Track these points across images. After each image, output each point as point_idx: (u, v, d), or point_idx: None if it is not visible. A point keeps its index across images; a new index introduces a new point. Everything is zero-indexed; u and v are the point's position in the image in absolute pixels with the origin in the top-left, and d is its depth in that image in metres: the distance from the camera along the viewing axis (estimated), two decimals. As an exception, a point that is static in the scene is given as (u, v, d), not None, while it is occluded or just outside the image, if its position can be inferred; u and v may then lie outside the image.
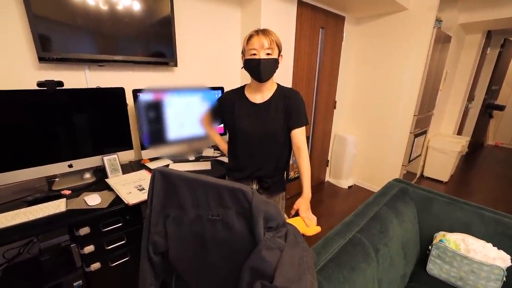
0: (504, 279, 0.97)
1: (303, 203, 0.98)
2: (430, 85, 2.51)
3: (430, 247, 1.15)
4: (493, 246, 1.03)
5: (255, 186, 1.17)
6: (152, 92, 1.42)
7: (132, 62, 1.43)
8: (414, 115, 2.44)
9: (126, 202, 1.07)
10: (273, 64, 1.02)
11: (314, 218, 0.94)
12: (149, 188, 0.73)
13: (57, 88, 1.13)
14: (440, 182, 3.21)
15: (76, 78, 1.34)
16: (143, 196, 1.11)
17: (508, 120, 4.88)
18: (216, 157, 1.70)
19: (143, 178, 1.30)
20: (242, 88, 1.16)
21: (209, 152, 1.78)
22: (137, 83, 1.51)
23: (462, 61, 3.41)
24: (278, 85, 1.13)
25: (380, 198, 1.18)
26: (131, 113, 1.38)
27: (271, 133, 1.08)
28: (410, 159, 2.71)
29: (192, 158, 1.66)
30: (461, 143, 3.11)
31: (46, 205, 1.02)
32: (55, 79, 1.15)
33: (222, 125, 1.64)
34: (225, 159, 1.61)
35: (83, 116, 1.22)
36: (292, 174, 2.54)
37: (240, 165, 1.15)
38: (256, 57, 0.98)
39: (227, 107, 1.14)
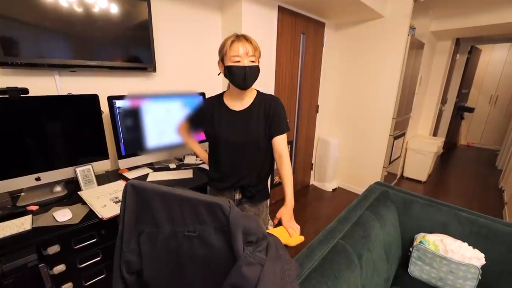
0: (480, 277, 1.01)
1: (286, 212, 0.96)
2: (406, 89, 2.62)
3: (411, 249, 1.17)
4: (469, 245, 1.07)
5: (238, 196, 1.14)
6: (129, 98, 1.36)
7: (107, 68, 1.36)
8: (393, 118, 2.53)
9: (100, 216, 1.00)
10: (257, 72, 1.00)
11: (298, 227, 0.93)
12: (121, 203, 0.69)
13: (22, 95, 1.05)
14: (419, 182, 3.34)
15: (45, 85, 1.25)
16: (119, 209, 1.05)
17: (477, 121, 5.21)
18: (199, 164, 1.66)
19: (120, 189, 1.23)
20: (220, 96, 1.12)
21: (191, 160, 1.73)
22: (113, 89, 1.44)
23: (435, 66, 3.60)
24: (258, 91, 1.11)
25: (362, 203, 1.19)
26: (106, 121, 1.31)
27: (252, 141, 1.05)
28: (391, 161, 2.80)
29: (173, 166, 1.60)
30: (437, 144, 3.26)
31: (8, 223, 0.93)
32: (20, 86, 1.06)
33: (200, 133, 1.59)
34: (207, 166, 1.57)
35: (53, 125, 1.14)
36: (277, 179, 2.53)
37: (221, 174, 1.11)
38: (241, 64, 0.95)
39: (206, 116, 1.10)
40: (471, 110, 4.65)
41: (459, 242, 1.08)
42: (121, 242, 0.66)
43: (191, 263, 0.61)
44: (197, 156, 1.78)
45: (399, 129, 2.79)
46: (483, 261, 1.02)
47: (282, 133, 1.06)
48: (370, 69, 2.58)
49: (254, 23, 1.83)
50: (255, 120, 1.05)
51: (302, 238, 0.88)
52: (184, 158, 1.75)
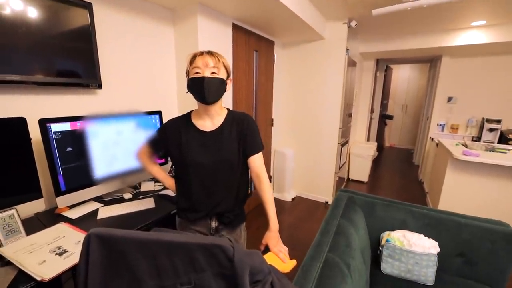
0: (437, 263, 1.16)
1: (272, 237, 0.91)
2: (347, 101, 2.97)
3: (380, 248, 1.27)
4: (425, 236, 1.22)
5: (214, 224, 1.03)
6: (69, 120, 1.12)
7: (36, 84, 1.10)
8: (340, 128, 2.80)
9: (38, 278, 0.76)
10: (219, 84, 0.93)
11: (286, 250, 0.89)
12: (80, 261, 0.53)
13: None
14: (362, 182, 3.77)
15: None
16: (67, 262, 0.82)
17: (395, 126, 6.29)
18: (159, 191, 1.47)
19: (62, 235, 0.97)
20: (188, 115, 1.03)
21: (149, 186, 1.52)
22: (49, 110, 1.19)
23: (364, 82, 4.22)
24: (228, 109, 1.06)
25: (335, 211, 1.25)
26: (38, 150, 1.04)
27: (227, 162, 0.97)
28: (340, 166, 3.08)
29: (128, 196, 1.37)
30: (373, 148, 3.77)
31: None
32: None
33: (163, 158, 1.43)
34: (169, 192, 1.41)
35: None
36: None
37: (194, 203, 0.99)
38: (200, 75, 0.90)
39: (172, 138, 0.98)
40: (391, 117, 5.58)
41: (416, 234, 1.23)
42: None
43: (191, 320, 0.51)
44: (155, 181, 1.58)
45: (344, 137, 3.12)
46: (438, 249, 1.18)
47: (257, 152, 1.02)
48: (316, 84, 2.83)
49: (211, 39, 1.79)
50: (227, 140, 0.99)
51: (294, 262, 0.84)
52: (140, 185, 1.52)
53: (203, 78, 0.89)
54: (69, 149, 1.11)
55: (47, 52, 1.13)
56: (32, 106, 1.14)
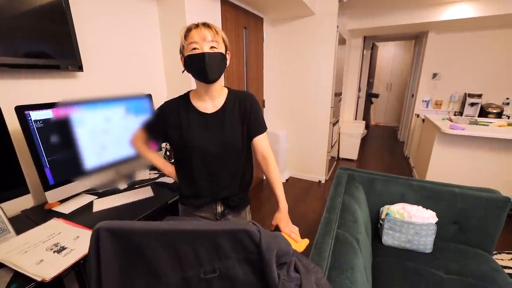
0: (435, 232, 1.21)
1: (282, 218, 0.90)
2: (337, 80, 2.94)
3: (381, 221, 1.31)
4: (423, 207, 1.27)
5: (220, 208, 1.00)
6: (51, 107, 1.00)
7: (7, 66, 0.97)
8: (331, 107, 2.80)
9: (38, 279, 0.70)
10: (221, 60, 0.86)
11: (297, 229, 0.88)
12: (90, 258, 0.48)
13: None
14: (352, 160, 3.86)
15: None
16: (68, 259, 0.77)
17: (380, 104, 6.42)
18: (155, 179, 1.41)
19: (58, 231, 0.91)
20: (186, 96, 0.95)
21: (144, 175, 1.45)
22: (26, 97, 1.06)
23: (351, 60, 4.19)
24: (229, 88, 0.99)
25: (338, 189, 1.25)
26: (18, 141, 0.94)
27: (231, 146, 0.93)
28: (332, 145, 3.11)
29: (123, 186, 1.30)
30: (362, 126, 3.82)
31: None
32: None
33: (160, 144, 1.35)
34: (167, 179, 1.35)
35: None
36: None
37: (198, 189, 0.94)
38: (199, 51, 0.82)
39: (171, 121, 0.91)
40: (377, 96, 5.66)
41: (415, 206, 1.27)
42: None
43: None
44: (150, 169, 1.51)
45: (335, 117, 3.12)
46: (436, 218, 1.23)
47: (262, 132, 0.98)
48: (307, 63, 2.76)
49: (199, 14, 1.66)
50: (230, 121, 0.93)
51: (307, 241, 0.83)
52: (134, 174, 1.45)
53: (203, 54, 0.81)
54: (54, 138, 1.01)
55: (21, 31, 0.98)
56: (5, 93, 1.01)
